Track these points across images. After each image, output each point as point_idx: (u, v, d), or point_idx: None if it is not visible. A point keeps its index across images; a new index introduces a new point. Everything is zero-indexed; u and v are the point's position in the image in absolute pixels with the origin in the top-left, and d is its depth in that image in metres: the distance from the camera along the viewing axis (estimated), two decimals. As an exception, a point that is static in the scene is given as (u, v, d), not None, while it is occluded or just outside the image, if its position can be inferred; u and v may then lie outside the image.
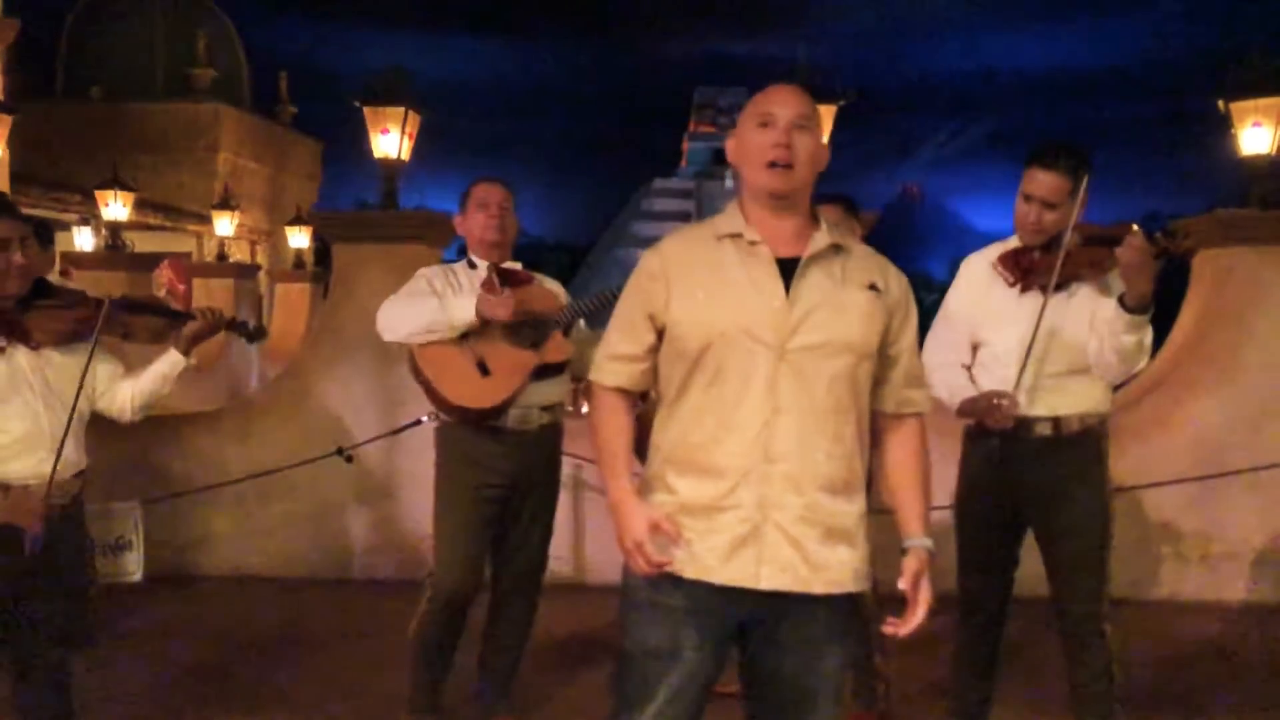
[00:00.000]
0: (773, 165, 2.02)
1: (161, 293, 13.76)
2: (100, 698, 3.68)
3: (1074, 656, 3.09)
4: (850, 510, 2.05)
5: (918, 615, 2.03)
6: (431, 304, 3.29)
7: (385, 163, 6.01)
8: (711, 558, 2.00)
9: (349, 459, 5.26)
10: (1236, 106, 5.66)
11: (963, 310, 3.18)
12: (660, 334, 2.09)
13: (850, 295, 2.03)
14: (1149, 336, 2.93)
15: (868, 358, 2.04)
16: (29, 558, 2.70)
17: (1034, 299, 3.00)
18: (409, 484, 5.44)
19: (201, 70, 18.62)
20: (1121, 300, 2.86)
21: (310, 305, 14.54)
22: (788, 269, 2.02)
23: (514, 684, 3.60)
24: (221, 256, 14.73)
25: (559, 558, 5.53)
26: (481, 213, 3.43)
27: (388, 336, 3.38)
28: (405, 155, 6.11)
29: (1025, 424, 3.00)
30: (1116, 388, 6.32)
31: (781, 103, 2.05)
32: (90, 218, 13.78)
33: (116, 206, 11.70)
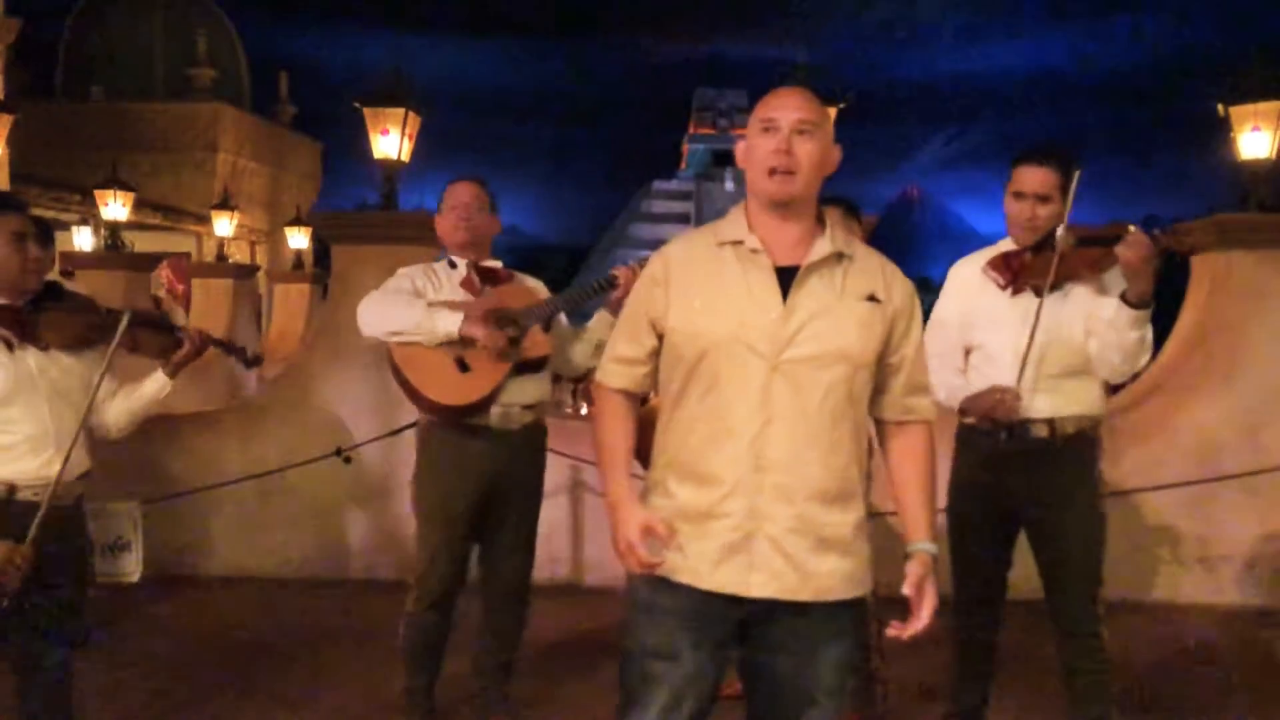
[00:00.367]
0: (773, 172, 2.01)
1: (161, 292, 13.80)
2: (99, 698, 3.68)
3: (1069, 660, 3.10)
4: (844, 520, 2.04)
5: (922, 619, 2.04)
6: (418, 307, 3.28)
7: (385, 164, 6.01)
8: (703, 563, 2.01)
9: (348, 460, 5.26)
10: (1236, 111, 5.67)
11: (954, 317, 3.19)
12: (661, 339, 2.10)
13: (848, 305, 2.02)
14: (1150, 333, 2.95)
15: (864, 368, 2.04)
16: (34, 559, 2.71)
17: (1027, 301, 3.01)
18: (407, 485, 5.42)
19: (201, 70, 18.61)
20: (1124, 297, 2.87)
21: (309, 306, 14.53)
22: (789, 277, 2.02)
23: (510, 685, 3.59)
24: (221, 257, 14.72)
25: (558, 559, 5.55)
26: (452, 213, 3.44)
27: (367, 332, 3.38)
28: (405, 156, 6.11)
29: (1021, 426, 3.01)
30: (1116, 389, 6.36)
31: (784, 107, 2.04)
32: (90, 217, 13.78)
33: (116, 206, 11.69)
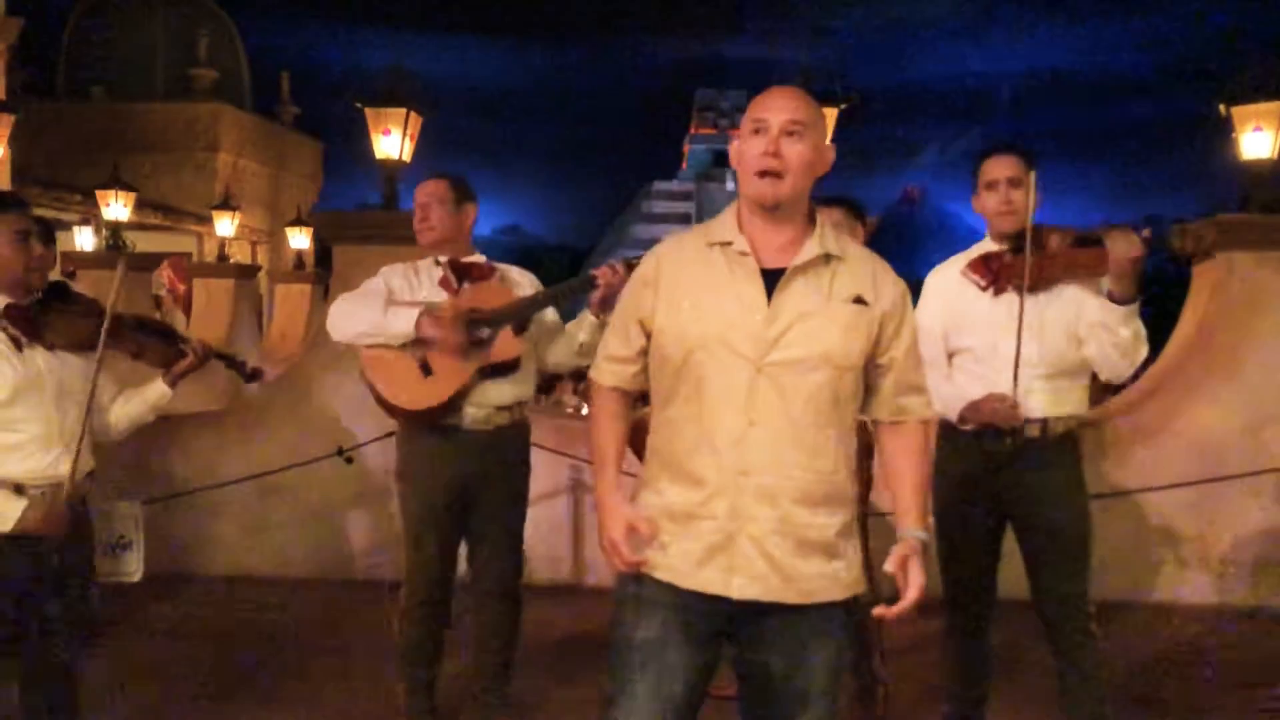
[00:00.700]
0: (762, 174, 2.00)
1: (162, 292, 13.81)
2: (101, 697, 3.67)
3: (1064, 659, 3.10)
4: (830, 523, 2.03)
5: (909, 599, 2.01)
6: (377, 308, 3.27)
7: (386, 164, 6.02)
8: (685, 563, 2.02)
9: (349, 459, 5.26)
10: (1238, 111, 5.67)
11: (935, 324, 3.19)
12: (650, 338, 2.11)
13: (834, 308, 2.01)
14: (1142, 326, 2.98)
15: (849, 370, 2.03)
16: (43, 560, 2.72)
17: (1011, 301, 3.02)
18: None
19: (202, 71, 18.63)
20: (1110, 296, 2.91)
21: (311, 306, 14.54)
22: (777, 279, 2.01)
23: (512, 685, 3.58)
24: (222, 257, 14.73)
25: (559, 558, 5.55)
26: (415, 214, 3.43)
27: (335, 336, 3.38)
28: (407, 156, 6.11)
29: (1015, 426, 3.02)
30: (1117, 389, 6.35)
31: (774, 108, 2.02)
32: (91, 217, 13.79)
33: (117, 206, 11.70)
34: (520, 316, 3.33)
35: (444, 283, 3.38)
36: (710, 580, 2.00)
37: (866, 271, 2.08)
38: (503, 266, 3.53)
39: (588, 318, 3.41)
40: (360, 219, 6.06)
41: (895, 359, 2.08)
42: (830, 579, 2.04)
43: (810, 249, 2.03)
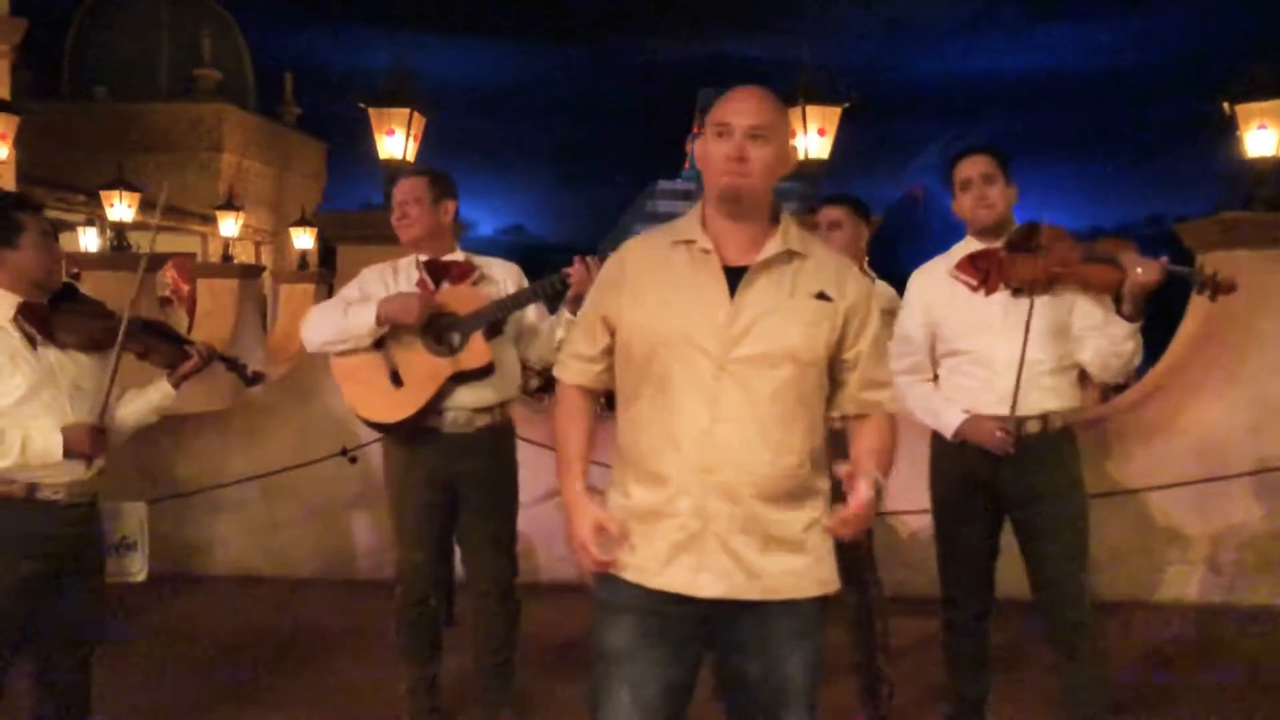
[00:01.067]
0: (728, 174, 2.01)
1: (166, 293, 13.83)
2: (105, 697, 3.68)
3: (1064, 655, 3.10)
4: (796, 519, 2.03)
5: (850, 504, 1.96)
6: (337, 313, 3.26)
7: (390, 164, 6.02)
8: (652, 562, 2.02)
9: (353, 460, 5.26)
10: (1242, 109, 5.66)
11: (919, 331, 3.20)
12: (615, 337, 2.11)
13: (797, 304, 2.01)
14: (1140, 337, 3.02)
15: (812, 366, 2.03)
16: (54, 558, 2.74)
17: (1005, 300, 3.03)
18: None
19: (206, 71, 18.66)
20: (1119, 311, 2.94)
21: (315, 306, 14.54)
22: (740, 277, 2.02)
23: (513, 684, 3.57)
24: (226, 257, 14.76)
25: (561, 558, 5.55)
26: (392, 213, 3.42)
27: (309, 349, 3.38)
28: (410, 156, 6.12)
29: (1017, 422, 3.01)
30: (1121, 388, 6.34)
31: (737, 112, 2.02)
32: (95, 218, 13.81)
33: (121, 207, 11.72)
34: (490, 320, 3.29)
35: (420, 285, 3.36)
36: (677, 579, 2.00)
37: (830, 268, 2.08)
38: (483, 262, 3.48)
39: (564, 315, 3.37)
40: (364, 219, 6.06)
41: (860, 354, 2.08)
42: (798, 576, 2.03)
43: (773, 246, 2.04)
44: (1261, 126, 5.61)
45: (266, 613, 5.16)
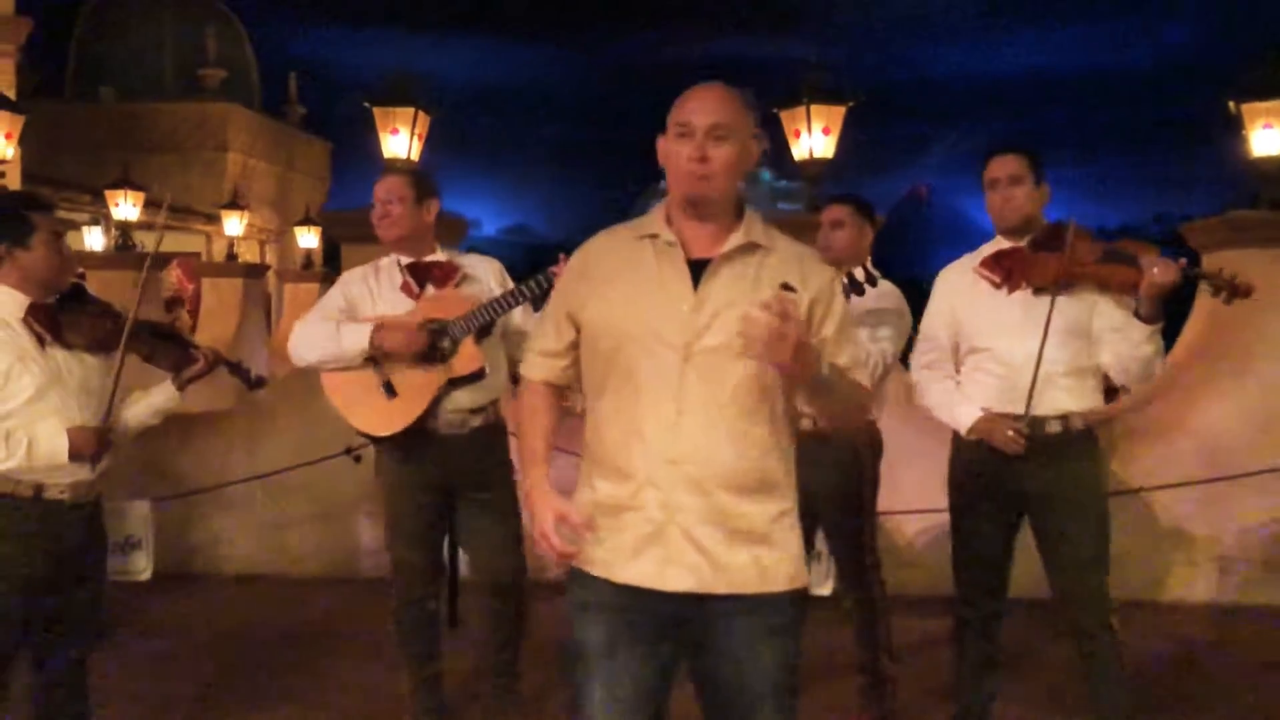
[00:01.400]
0: (690, 176, 2.00)
1: (171, 293, 13.84)
2: (110, 695, 3.69)
3: (1086, 654, 3.08)
4: (762, 511, 2.02)
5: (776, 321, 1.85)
6: (328, 331, 3.23)
7: (394, 163, 6.02)
8: (619, 556, 2.02)
9: (357, 459, 5.25)
10: (1248, 108, 5.65)
11: (942, 329, 3.20)
12: (580, 332, 2.11)
13: (761, 295, 1.98)
14: (1160, 341, 3.01)
15: None
16: (57, 556, 2.74)
17: (1027, 299, 3.02)
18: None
19: (211, 70, 18.66)
20: (1137, 313, 2.92)
21: (319, 305, 14.53)
22: (704, 270, 2.01)
23: (520, 682, 3.55)
24: (231, 256, 14.76)
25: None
26: (373, 211, 3.40)
27: (297, 363, 3.35)
28: (415, 156, 6.12)
29: (1038, 422, 3.01)
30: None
31: (698, 111, 2.01)
32: (100, 217, 13.83)
33: (127, 207, 11.73)
34: (480, 324, 3.27)
35: (405, 288, 3.35)
36: (643, 572, 1.99)
37: (794, 260, 2.07)
38: (465, 262, 3.47)
39: None
40: (368, 218, 6.04)
41: (826, 340, 2.06)
42: (766, 569, 2.01)
43: (736, 238, 2.03)
44: (1267, 126, 5.60)
45: (270, 611, 5.17)
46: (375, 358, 3.24)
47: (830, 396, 2.03)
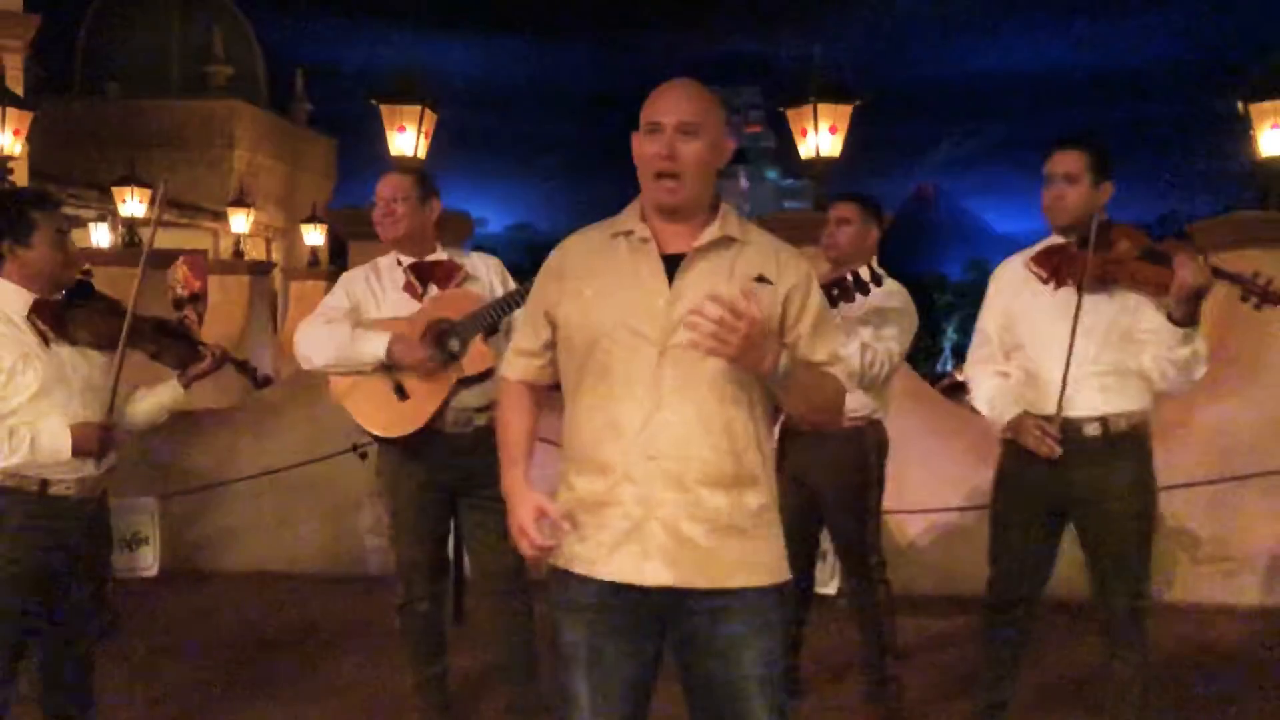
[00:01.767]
0: (659, 176, 2.00)
1: (178, 289, 13.88)
2: (116, 691, 3.70)
3: (1115, 653, 3.05)
4: (741, 504, 2.01)
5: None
6: (343, 336, 3.22)
7: (401, 160, 6.03)
8: (598, 553, 2.01)
9: (363, 456, 5.26)
10: (1256, 108, 5.63)
11: (994, 323, 3.17)
12: (556, 330, 2.11)
13: (736, 287, 1.98)
14: (1203, 346, 2.94)
15: None
16: (61, 551, 2.76)
17: (1069, 296, 2.97)
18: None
19: (218, 67, 18.71)
20: (1169, 315, 2.86)
21: (325, 303, 14.55)
22: (679, 265, 2.01)
23: (540, 685, 3.39)
24: (237, 253, 14.80)
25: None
26: (375, 209, 3.39)
27: (305, 365, 3.33)
28: (422, 153, 6.13)
29: (1074, 425, 2.97)
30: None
31: (666, 110, 2.02)
32: (107, 214, 13.86)
33: (133, 203, 11.76)
34: (489, 322, 3.26)
35: (409, 288, 3.35)
36: (623, 568, 1.99)
37: (770, 252, 2.07)
38: (468, 263, 3.46)
39: None
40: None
41: (802, 335, 2.06)
42: (746, 563, 2.01)
43: (711, 232, 2.03)
44: (1275, 126, 5.58)
45: (276, 608, 5.18)
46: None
47: (792, 394, 2.02)
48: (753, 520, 2.02)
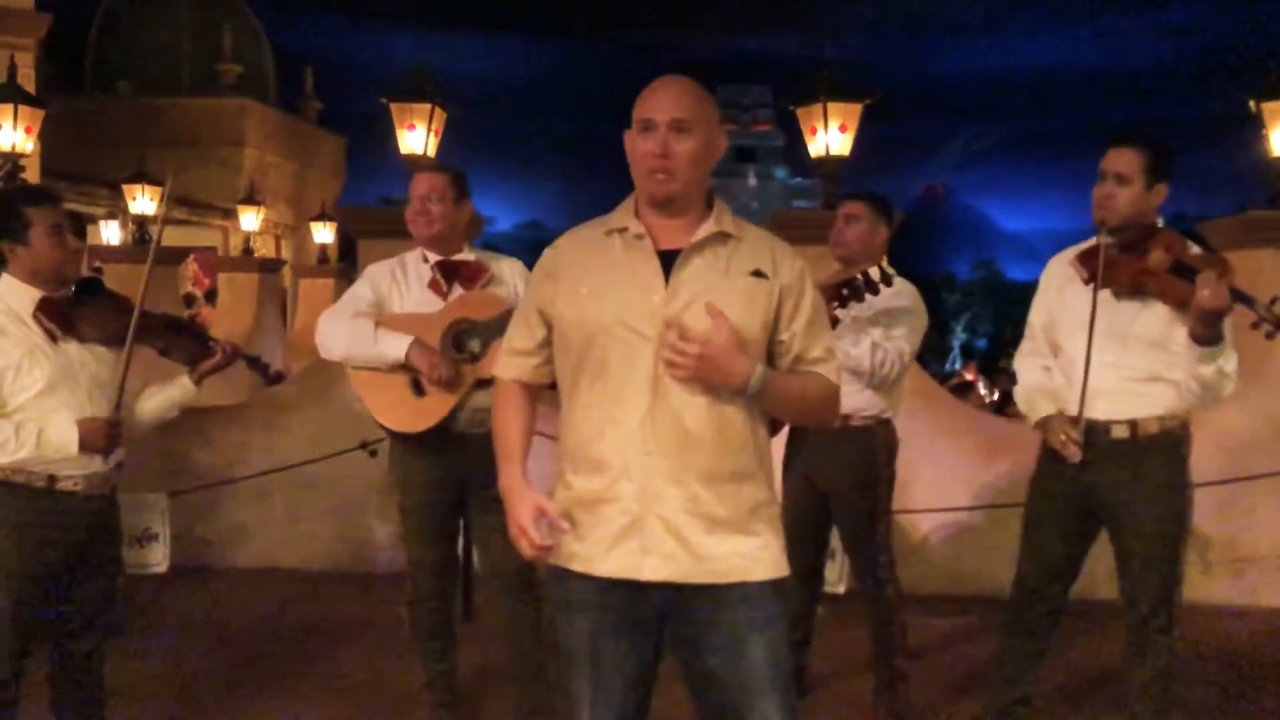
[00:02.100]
0: (653, 173, 2.00)
1: (188, 286, 13.92)
2: (126, 687, 3.71)
3: (1136, 653, 3.05)
4: (740, 500, 2.01)
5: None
6: (365, 332, 3.23)
7: (411, 159, 6.04)
8: (596, 550, 2.01)
9: (373, 453, 5.28)
10: (1268, 107, 5.60)
11: (1041, 317, 3.17)
12: (551, 329, 2.11)
13: (732, 282, 1.99)
14: (1231, 363, 2.86)
15: (751, 343, 2.00)
16: (70, 547, 2.76)
17: (1105, 298, 2.94)
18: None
19: (228, 66, 18.74)
20: (1190, 332, 2.81)
21: (334, 300, 14.57)
22: (675, 261, 2.01)
23: (547, 695, 3.37)
24: (247, 251, 14.83)
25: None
26: (410, 207, 3.38)
27: (325, 355, 3.35)
28: (431, 152, 6.14)
29: (1101, 427, 2.96)
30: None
31: (659, 107, 2.01)
32: (118, 212, 13.91)
33: (144, 200, 11.80)
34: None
35: (433, 285, 3.35)
36: (622, 565, 1.99)
37: (765, 248, 2.07)
38: (494, 265, 3.47)
39: None
40: (384, 214, 6.08)
41: (797, 333, 2.06)
42: (745, 558, 2.01)
43: (706, 228, 2.03)
44: (1288, 124, 5.56)
45: (286, 604, 5.19)
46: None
47: (774, 404, 2.03)
48: (751, 515, 2.03)
